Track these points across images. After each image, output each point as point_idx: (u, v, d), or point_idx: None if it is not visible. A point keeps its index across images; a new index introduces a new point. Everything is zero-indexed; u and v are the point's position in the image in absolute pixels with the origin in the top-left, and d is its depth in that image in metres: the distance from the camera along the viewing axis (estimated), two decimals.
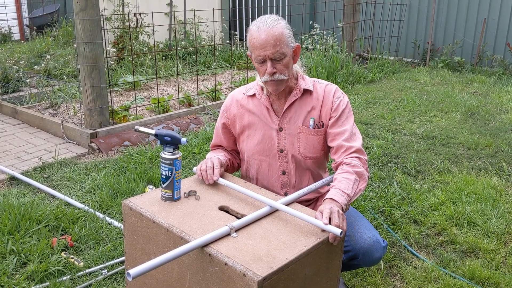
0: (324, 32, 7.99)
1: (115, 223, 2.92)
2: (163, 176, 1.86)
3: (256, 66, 2.02)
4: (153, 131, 1.89)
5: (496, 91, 6.41)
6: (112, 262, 2.53)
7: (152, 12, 5.30)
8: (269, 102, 2.13)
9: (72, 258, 2.55)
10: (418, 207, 3.21)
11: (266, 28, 1.93)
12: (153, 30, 5.51)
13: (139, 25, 7.23)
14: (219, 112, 5.26)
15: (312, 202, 2.25)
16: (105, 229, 2.84)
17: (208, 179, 2.03)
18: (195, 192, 1.95)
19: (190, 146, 4.17)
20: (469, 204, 3.23)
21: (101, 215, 3.01)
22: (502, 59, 7.50)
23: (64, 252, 2.62)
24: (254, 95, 2.18)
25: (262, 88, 2.14)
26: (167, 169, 1.85)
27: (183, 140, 1.83)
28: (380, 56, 7.95)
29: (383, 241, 2.04)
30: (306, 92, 2.12)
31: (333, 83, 6.80)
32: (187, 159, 3.91)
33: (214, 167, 2.05)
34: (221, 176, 2.09)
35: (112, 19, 7.44)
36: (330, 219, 1.70)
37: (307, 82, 2.14)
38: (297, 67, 2.13)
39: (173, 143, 1.84)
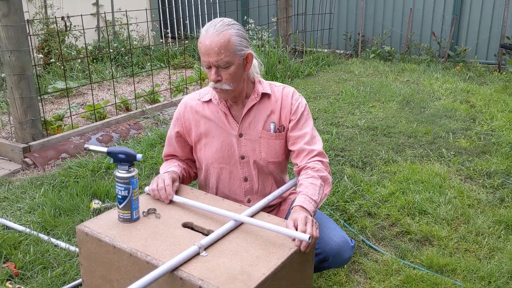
0: (259, 28, 7.97)
1: (62, 244, 2.71)
2: (120, 196, 1.73)
3: (205, 70, 1.93)
4: (105, 149, 1.75)
5: (426, 78, 6.68)
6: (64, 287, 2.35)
7: (74, 15, 5.01)
8: (226, 107, 2.05)
9: (19, 287, 2.34)
10: (370, 200, 3.25)
11: (212, 33, 1.84)
12: (72, 34, 5.20)
13: (67, 28, 6.84)
14: (159, 115, 5.11)
15: (275, 207, 2.19)
16: (52, 252, 2.64)
17: (163, 199, 1.91)
18: (155, 209, 1.83)
19: None
20: (418, 192, 3.32)
21: (45, 237, 2.79)
22: (428, 47, 7.83)
23: (9, 282, 2.39)
24: (210, 100, 2.08)
25: None
26: (123, 188, 1.72)
27: (139, 156, 1.71)
28: (314, 50, 8.04)
29: (351, 240, 2.03)
30: (265, 96, 2.06)
31: (272, 78, 6.70)
32: None
33: (165, 185, 1.93)
34: (177, 191, 1.98)
35: (35, 22, 6.98)
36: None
37: (264, 85, 2.08)
38: (253, 72, 2.05)
39: (128, 160, 1.71)
